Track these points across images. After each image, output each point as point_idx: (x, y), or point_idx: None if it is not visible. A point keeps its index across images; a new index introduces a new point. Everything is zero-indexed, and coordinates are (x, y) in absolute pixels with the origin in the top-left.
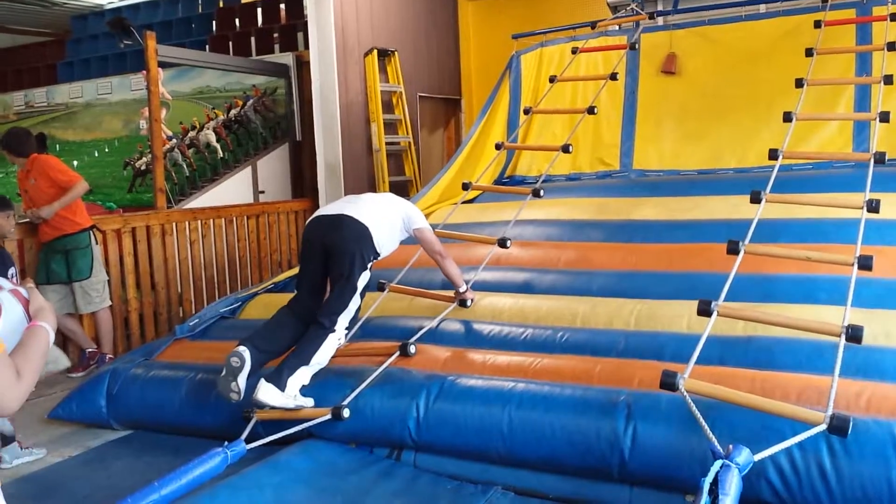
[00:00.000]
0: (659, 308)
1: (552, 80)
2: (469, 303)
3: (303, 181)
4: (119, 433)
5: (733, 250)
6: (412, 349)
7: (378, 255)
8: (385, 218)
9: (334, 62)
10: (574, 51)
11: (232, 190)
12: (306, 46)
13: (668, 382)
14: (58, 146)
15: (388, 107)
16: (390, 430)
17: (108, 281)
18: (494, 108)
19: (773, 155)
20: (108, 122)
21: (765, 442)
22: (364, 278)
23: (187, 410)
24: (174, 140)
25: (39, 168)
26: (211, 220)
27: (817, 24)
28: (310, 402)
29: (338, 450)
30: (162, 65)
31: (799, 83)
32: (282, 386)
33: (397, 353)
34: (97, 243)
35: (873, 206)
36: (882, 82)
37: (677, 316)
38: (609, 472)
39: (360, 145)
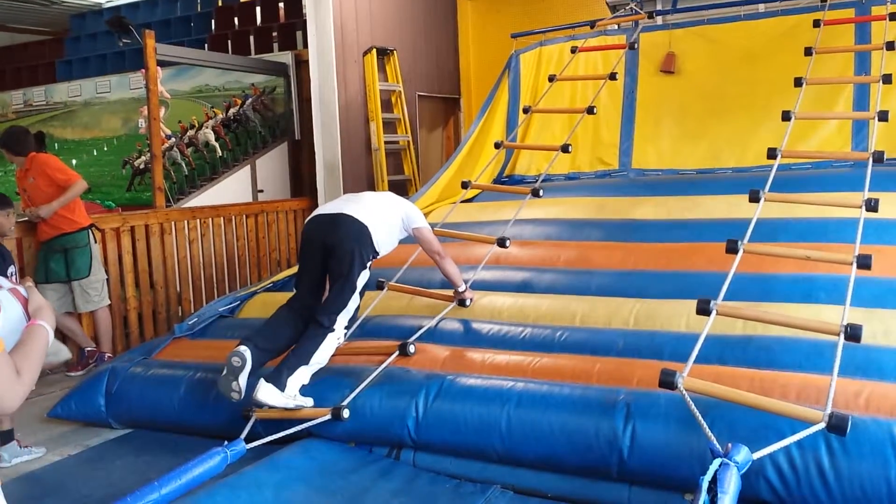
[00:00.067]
0: (658, 307)
1: (551, 79)
2: (468, 302)
3: (302, 180)
4: (118, 432)
5: (732, 249)
6: (411, 348)
7: (377, 253)
8: (384, 217)
9: (333, 61)
10: (573, 50)
11: (231, 189)
12: (305, 45)
13: (667, 381)
14: (56, 145)
15: (387, 106)
16: (389, 430)
17: (107, 280)
18: (493, 108)
19: (772, 154)
20: (106, 121)
21: (764, 440)
22: (363, 277)
23: (186, 409)
24: (173, 139)
25: (38, 167)
26: (210, 219)
27: (816, 24)
28: (309, 401)
29: (337, 449)
30: (161, 63)
31: (798, 82)
32: (281, 386)
33: (396, 353)
34: (96, 242)
35: (872, 206)
36: (881, 81)
37: (676, 315)
38: (608, 471)
39: (359, 144)
